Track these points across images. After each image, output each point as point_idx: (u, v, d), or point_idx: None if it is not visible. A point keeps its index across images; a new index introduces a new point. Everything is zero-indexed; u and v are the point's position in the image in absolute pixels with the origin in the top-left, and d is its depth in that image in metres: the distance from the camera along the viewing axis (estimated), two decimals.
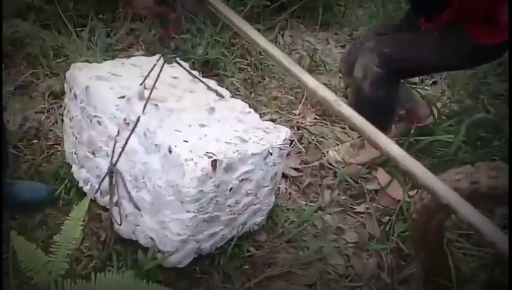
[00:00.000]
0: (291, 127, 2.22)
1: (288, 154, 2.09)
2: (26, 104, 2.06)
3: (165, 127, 1.42)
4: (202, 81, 1.69)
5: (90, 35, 2.45)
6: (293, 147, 2.13)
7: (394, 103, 1.97)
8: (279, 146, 1.55)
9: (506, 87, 2.38)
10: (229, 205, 1.50)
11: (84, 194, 1.66)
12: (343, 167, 2.04)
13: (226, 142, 1.44)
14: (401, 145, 2.03)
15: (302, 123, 2.26)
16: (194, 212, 1.38)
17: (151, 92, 1.42)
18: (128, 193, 1.45)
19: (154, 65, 1.47)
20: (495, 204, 1.57)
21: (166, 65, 1.48)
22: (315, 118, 2.32)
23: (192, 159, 1.32)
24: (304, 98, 2.37)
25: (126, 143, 1.40)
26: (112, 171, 1.43)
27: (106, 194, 1.55)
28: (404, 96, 2.10)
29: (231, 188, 1.46)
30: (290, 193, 1.93)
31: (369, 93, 1.85)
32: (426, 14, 1.81)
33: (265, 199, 1.65)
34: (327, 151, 2.13)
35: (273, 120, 2.19)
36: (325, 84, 2.50)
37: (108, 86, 1.55)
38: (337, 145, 2.17)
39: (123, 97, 1.50)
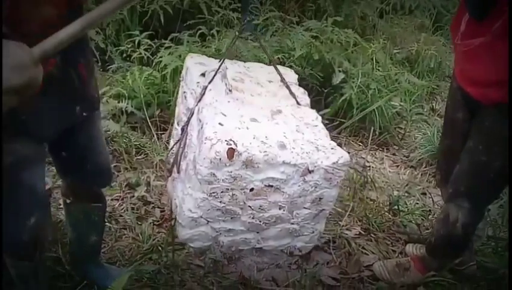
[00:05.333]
0: (336, 237, 2.34)
1: (327, 263, 2.21)
2: (105, 192, 2.39)
3: (215, 107, 1.43)
4: (285, 84, 1.66)
5: (168, 138, 2.84)
6: (333, 255, 2.23)
7: None
8: (325, 167, 1.42)
9: None
10: (250, 207, 1.42)
11: None
12: (386, 284, 2.10)
13: (262, 141, 1.38)
14: None
15: (346, 234, 2.37)
16: (206, 194, 1.35)
17: (218, 68, 1.48)
18: (181, 153, 1.50)
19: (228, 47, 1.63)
20: None
21: (269, 69, 1.58)
22: (360, 232, 2.43)
23: (211, 140, 1.31)
24: (350, 209, 2.50)
25: (193, 109, 1.49)
26: (183, 129, 1.54)
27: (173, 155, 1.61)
28: None
29: (252, 188, 1.38)
30: None
31: (462, 232, 1.94)
32: (479, 12, 1.66)
33: (306, 224, 1.53)
34: (372, 264, 2.21)
35: None
36: (373, 200, 2.64)
37: (201, 69, 1.63)
38: (380, 260, 2.24)
39: (203, 75, 1.57)
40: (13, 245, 1.40)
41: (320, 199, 1.48)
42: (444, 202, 2.12)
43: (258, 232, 1.50)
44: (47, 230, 1.46)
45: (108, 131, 2.68)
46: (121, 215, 2.29)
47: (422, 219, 2.57)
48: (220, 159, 1.30)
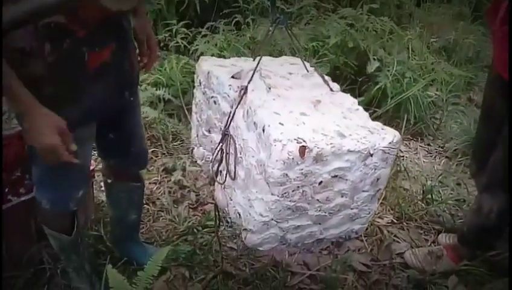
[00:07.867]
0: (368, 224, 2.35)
1: (359, 250, 2.23)
2: (143, 175, 2.49)
3: (266, 107, 1.44)
4: (319, 72, 1.70)
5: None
6: (364, 243, 2.25)
7: None
8: (382, 148, 1.44)
9: None
10: (318, 200, 1.44)
11: None
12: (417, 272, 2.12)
13: (322, 133, 1.39)
14: None
15: (378, 222, 2.38)
16: (278, 196, 1.36)
17: (257, 65, 1.49)
18: (234, 160, 1.49)
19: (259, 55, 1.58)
20: None
21: (279, 61, 1.62)
22: (392, 220, 2.43)
23: (280, 141, 1.31)
24: (382, 197, 2.51)
25: (234, 112, 1.49)
26: (226, 134, 1.52)
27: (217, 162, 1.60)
28: None
29: (321, 181, 1.39)
30: (356, 287, 2.03)
31: (496, 222, 1.93)
32: None
33: (364, 206, 1.54)
34: (404, 252, 2.21)
35: None
36: (406, 189, 2.64)
37: (226, 70, 1.64)
38: (412, 248, 2.25)
39: (235, 77, 1.57)
40: (61, 212, 1.56)
41: (378, 179, 1.49)
42: (478, 192, 2.10)
43: (320, 224, 1.52)
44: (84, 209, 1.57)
45: (147, 117, 2.77)
46: (158, 198, 2.39)
47: (456, 209, 2.54)
48: (293, 158, 1.31)
